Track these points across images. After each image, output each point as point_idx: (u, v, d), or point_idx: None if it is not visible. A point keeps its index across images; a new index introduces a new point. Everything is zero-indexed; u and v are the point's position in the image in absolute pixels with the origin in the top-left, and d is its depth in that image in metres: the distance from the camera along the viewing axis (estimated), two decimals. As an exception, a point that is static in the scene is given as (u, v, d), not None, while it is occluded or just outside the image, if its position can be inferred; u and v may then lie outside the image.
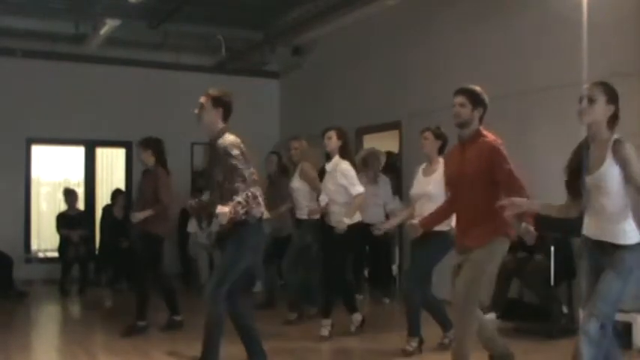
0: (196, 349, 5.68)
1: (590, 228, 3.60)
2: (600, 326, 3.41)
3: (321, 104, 10.43)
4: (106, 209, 9.82)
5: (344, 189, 5.90)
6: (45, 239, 10.24)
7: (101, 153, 10.91)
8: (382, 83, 9.12)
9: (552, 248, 6.04)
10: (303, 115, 10.85)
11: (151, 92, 10.71)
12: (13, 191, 9.97)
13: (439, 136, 5.38)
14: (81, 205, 10.07)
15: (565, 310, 6.08)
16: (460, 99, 4.18)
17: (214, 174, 4.64)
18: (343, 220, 5.77)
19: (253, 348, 4.77)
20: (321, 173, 7.23)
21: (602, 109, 3.51)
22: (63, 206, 9.85)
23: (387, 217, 7.57)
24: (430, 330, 5.55)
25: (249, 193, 4.43)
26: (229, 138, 4.58)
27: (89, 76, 10.34)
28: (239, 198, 4.38)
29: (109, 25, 8.84)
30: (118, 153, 10.98)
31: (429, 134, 5.38)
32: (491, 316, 6.63)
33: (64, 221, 9.35)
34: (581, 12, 6.20)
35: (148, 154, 6.62)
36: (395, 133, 8.82)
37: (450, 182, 4.41)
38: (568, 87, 6.21)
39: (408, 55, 8.68)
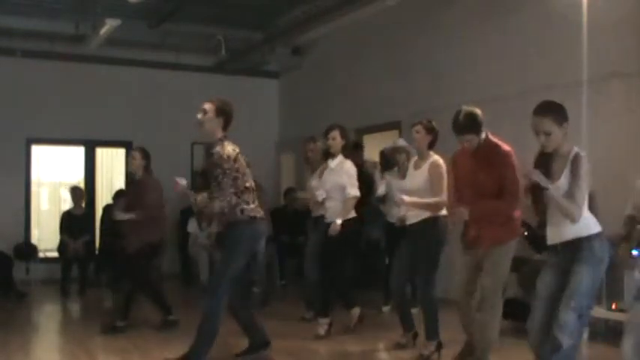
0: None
1: (555, 236, 3.75)
2: (578, 317, 3.59)
3: (321, 104, 10.43)
4: (107, 209, 9.80)
5: (343, 187, 5.99)
6: (45, 239, 10.23)
7: (101, 153, 10.91)
8: (382, 83, 9.12)
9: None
10: (303, 115, 10.85)
11: (151, 92, 10.72)
12: (13, 191, 9.98)
13: (430, 130, 5.33)
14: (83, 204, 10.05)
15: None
16: (469, 137, 4.52)
17: (210, 177, 4.76)
18: (336, 222, 5.88)
19: (257, 338, 4.91)
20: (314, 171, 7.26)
21: (558, 135, 3.70)
22: (63, 206, 9.86)
23: None
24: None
25: (230, 200, 4.65)
26: (228, 148, 4.72)
27: (89, 76, 10.35)
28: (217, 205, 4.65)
29: (109, 25, 8.84)
30: (118, 153, 10.99)
31: (420, 128, 5.34)
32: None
33: (67, 221, 9.32)
34: (581, 12, 6.20)
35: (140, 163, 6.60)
36: (395, 133, 8.82)
37: (461, 184, 4.65)
38: (568, 87, 6.22)
39: (408, 55, 8.68)
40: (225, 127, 4.82)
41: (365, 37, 9.46)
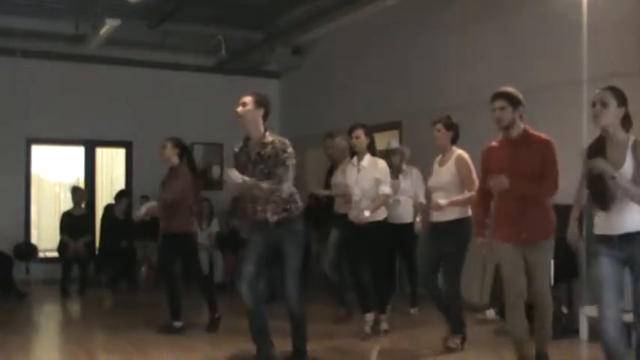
0: (198, 350, 5.70)
1: (613, 227, 3.72)
2: None
3: (321, 104, 10.44)
4: (108, 208, 9.80)
5: (375, 183, 5.96)
6: (45, 239, 10.23)
7: (101, 153, 10.91)
8: (382, 83, 9.12)
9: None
10: (303, 115, 10.85)
11: (151, 92, 10.71)
12: (13, 191, 9.97)
13: (450, 126, 5.42)
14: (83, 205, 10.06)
15: (565, 310, 6.08)
16: (499, 103, 4.39)
17: (259, 171, 4.79)
18: (364, 212, 5.79)
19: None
20: (329, 173, 7.24)
21: (614, 112, 3.72)
22: (63, 206, 9.85)
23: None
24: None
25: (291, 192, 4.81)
26: (283, 139, 4.88)
27: (89, 76, 10.34)
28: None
29: (109, 25, 8.84)
30: (118, 153, 10.98)
31: (440, 126, 5.40)
32: (490, 312, 6.65)
33: (68, 222, 9.32)
34: (581, 12, 6.20)
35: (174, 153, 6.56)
36: (395, 133, 8.82)
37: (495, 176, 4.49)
38: (568, 87, 6.23)
39: (408, 55, 8.68)
40: (264, 120, 4.95)
41: (365, 37, 9.46)
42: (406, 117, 8.53)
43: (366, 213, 5.78)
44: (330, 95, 10.23)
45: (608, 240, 3.75)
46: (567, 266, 6.01)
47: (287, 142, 4.85)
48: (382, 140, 9.18)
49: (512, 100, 4.39)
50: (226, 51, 10.32)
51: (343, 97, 9.91)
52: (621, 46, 5.99)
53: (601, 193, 3.69)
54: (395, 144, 7.11)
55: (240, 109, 4.87)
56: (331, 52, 10.30)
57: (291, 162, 4.77)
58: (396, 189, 6.53)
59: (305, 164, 9.59)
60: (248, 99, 4.90)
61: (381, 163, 6.06)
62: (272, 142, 4.84)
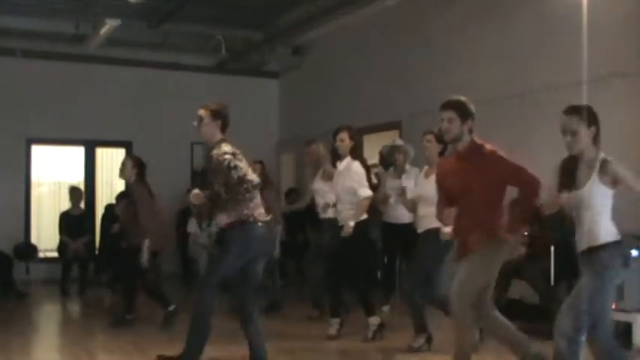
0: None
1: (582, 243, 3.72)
2: None
3: (321, 104, 10.43)
4: (108, 208, 9.79)
5: (353, 190, 5.89)
6: (45, 239, 10.23)
7: (101, 153, 10.91)
8: (382, 83, 9.12)
9: (552, 248, 6.05)
10: (303, 115, 10.85)
11: (151, 92, 10.72)
12: (13, 191, 9.98)
13: (441, 139, 5.36)
14: (81, 205, 10.06)
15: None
16: (448, 114, 4.16)
17: (211, 183, 4.79)
18: (349, 224, 5.78)
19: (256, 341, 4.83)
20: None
21: (585, 137, 3.68)
22: (63, 206, 9.85)
23: None
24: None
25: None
26: (224, 148, 4.72)
27: (89, 76, 10.35)
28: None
29: (109, 25, 8.85)
30: (118, 153, 10.97)
31: (431, 137, 5.38)
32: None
33: (66, 222, 9.32)
34: (581, 12, 6.19)
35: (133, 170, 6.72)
36: (395, 133, 8.82)
37: (449, 193, 4.32)
38: (568, 87, 6.22)
39: (408, 55, 8.68)
40: (223, 130, 4.85)
41: (365, 37, 9.46)
42: (406, 117, 8.53)
43: (351, 223, 5.77)
44: (330, 95, 10.23)
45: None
46: (568, 266, 6.01)
47: (223, 152, 4.69)
48: (382, 140, 9.22)
49: (462, 112, 4.14)
50: (226, 51, 10.32)
51: (343, 97, 9.91)
52: (621, 46, 5.99)
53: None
54: (400, 141, 7.09)
55: (195, 123, 4.85)
56: (331, 52, 10.30)
57: (233, 170, 4.64)
58: (396, 189, 6.52)
59: (305, 164, 9.58)
60: (202, 112, 4.83)
61: (354, 165, 5.92)
62: (215, 155, 4.76)
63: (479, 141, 4.19)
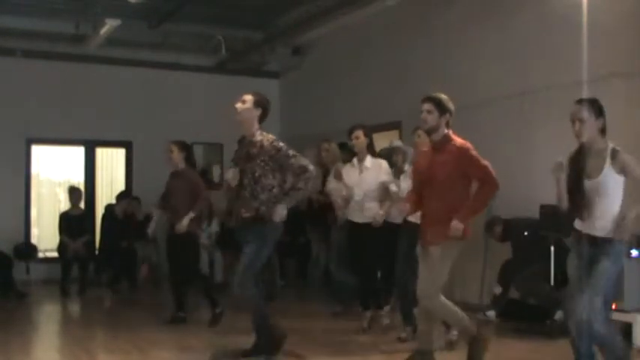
0: (197, 349, 5.70)
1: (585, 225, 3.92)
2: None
3: (321, 104, 10.44)
4: (108, 208, 9.79)
5: (386, 185, 5.98)
6: (45, 239, 10.23)
7: (101, 153, 10.91)
8: (382, 83, 9.12)
9: (552, 249, 6.05)
10: (303, 115, 10.86)
11: (151, 92, 10.71)
12: (13, 191, 9.97)
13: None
14: (81, 205, 10.06)
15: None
16: (427, 106, 4.53)
17: (249, 169, 4.84)
18: (380, 212, 5.87)
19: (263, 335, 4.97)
20: (327, 172, 7.26)
21: (593, 126, 3.89)
22: (64, 206, 9.84)
23: None
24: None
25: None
26: (272, 136, 4.92)
27: (89, 76, 10.34)
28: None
29: (109, 25, 8.84)
30: (118, 153, 10.98)
31: (421, 132, 5.42)
32: (490, 314, 6.65)
33: (66, 222, 9.31)
34: (581, 12, 6.20)
35: (180, 156, 6.67)
36: (395, 133, 8.81)
37: (419, 182, 4.69)
38: (568, 87, 6.22)
39: (408, 55, 8.68)
40: (260, 121, 4.96)
41: (365, 37, 9.46)
42: (406, 117, 8.52)
43: (381, 212, 5.86)
44: (330, 95, 10.23)
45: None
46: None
47: (274, 139, 4.90)
48: (382, 140, 9.22)
49: (440, 106, 4.51)
50: (226, 51, 10.32)
51: (343, 97, 9.91)
52: (621, 46, 5.99)
53: (578, 203, 3.88)
54: (398, 142, 7.11)
55: (238, 105, 4.85)
56: (331, 52, 10.30)
57: (293, 159, 4.82)
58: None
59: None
60: (248, 97, 4.94)
61: (384, 163, 6.11)
62: (260, 142, 4.88)
63: (452, 135, 4.55)
